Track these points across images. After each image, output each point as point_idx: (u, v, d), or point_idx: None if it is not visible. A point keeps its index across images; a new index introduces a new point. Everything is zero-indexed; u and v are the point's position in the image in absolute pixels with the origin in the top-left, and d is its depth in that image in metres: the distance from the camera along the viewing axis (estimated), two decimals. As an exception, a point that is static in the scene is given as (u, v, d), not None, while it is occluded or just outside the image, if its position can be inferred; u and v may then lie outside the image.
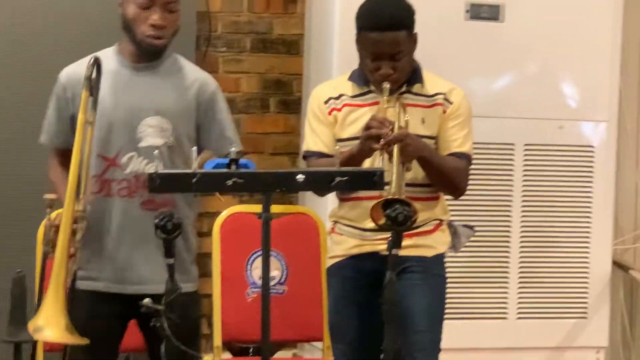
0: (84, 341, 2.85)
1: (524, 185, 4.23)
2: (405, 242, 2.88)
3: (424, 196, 3.24)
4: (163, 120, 3.03)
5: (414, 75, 3.26)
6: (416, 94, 3.25)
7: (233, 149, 2.78)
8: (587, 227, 4.28)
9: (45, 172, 3.29)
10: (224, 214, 3.92)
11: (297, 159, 4.53)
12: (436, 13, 3.96)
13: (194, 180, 2.63)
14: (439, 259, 3.32)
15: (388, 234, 3.00)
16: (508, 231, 4.27)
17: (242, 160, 2.67)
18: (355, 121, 3.25)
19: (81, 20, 4.27)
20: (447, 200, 3.45)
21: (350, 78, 3.28)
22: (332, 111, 3.30)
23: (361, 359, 3.34)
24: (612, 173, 4.34)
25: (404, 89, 3.22)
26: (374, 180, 2.77)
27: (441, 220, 3.33)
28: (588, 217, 4.27)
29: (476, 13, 4.08)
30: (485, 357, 4.29)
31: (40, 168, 3.32)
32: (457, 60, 4.09)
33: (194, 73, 3.14)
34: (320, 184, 2.89)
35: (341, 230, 3.33)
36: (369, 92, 3.24)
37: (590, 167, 4.27)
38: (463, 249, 3.57)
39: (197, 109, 3.08)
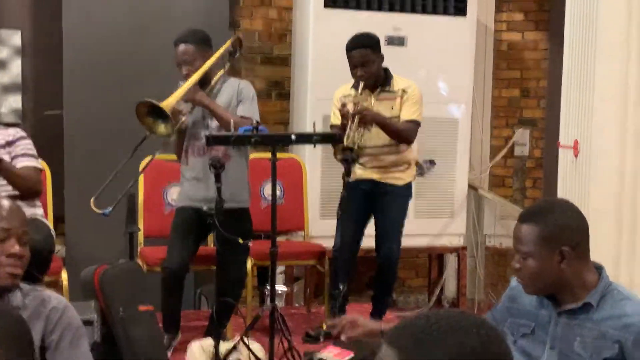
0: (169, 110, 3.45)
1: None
2: (389, 174, 3.73)
3: (387, 150, 3.88)
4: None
5: (386, 80, 3.86)
6: (387, 91, 3.89)
7: (255, 120, 3.44)
8: (454, 164, 5.10)
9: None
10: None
11: (287, 127, 5.08)
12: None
13: (232, 138, 3.27)
14: (409, 185, 4.01)
15: (379, 168, 3.77)
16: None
17: (260, 127, 3.30)
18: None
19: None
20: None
21: (353, 86, 3.90)
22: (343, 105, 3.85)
23: (353, 241, 3.92)
24: (468, 134, 5.15)
25: (379, 89, 3.84)
26: (335, 139, 3.61)
27: (409, 164, 3.95)
28: (454, 158, 5.09)
29: (391, 41, 4.82)
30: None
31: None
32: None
33: (231, 84, 3.76)
34: (305, 140, 3.70)
35: (356, 167, 3.87)
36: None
37: (456, 130, 5.07)
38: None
39: (235, 101, 3.69)
